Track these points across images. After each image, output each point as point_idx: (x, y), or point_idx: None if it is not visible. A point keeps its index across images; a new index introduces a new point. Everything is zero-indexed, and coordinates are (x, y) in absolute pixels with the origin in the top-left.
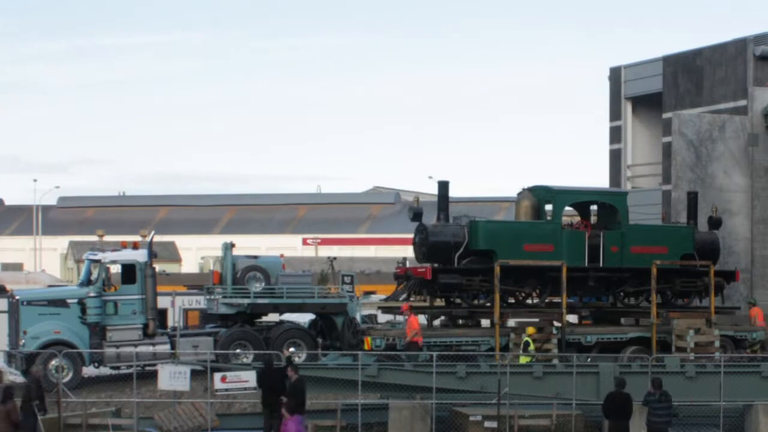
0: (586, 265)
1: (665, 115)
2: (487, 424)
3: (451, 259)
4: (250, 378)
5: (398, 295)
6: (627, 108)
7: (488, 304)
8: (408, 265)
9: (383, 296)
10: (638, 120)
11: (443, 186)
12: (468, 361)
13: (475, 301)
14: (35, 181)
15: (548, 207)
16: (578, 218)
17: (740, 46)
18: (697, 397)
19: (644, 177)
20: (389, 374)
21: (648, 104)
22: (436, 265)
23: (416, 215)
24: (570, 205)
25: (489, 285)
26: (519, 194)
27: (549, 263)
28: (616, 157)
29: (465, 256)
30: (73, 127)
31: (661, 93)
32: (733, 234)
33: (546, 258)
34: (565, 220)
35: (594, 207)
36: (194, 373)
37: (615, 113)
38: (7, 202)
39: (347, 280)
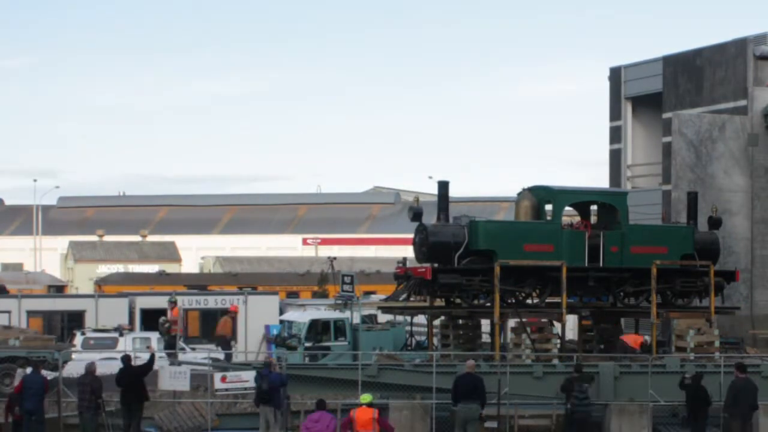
0: (586, 265)
1: (665, 115)
2: (487, 424)
3: (451, 259)
4: (250, 378)
5: (398, 295)
6: (627, 108)
7: (488, 304)
8: (408, 265)
9: (383, 296)
10: (638, 120)
11: (443, 186)
12: None
13: (475, 301)
14: (35, 181)
15: (548, 207)
16: (578, 218)
17: (740, 46)
18: None
19: (644, 177)
20: (389, 374)
21: (648, 104)
22: (436, 265)
23: (416, 215)
24: (570, 205)
25: (489, 285)
26: (519, 194)
27: (549, 263)
28: (616, 157)
29: (465, 256)
30: (72, 126)
31: (661, 93)
32: (733, 234)
33: (546, 258)
34: (565, 220)
35: (594, 207)
36: (194, 373)
37: (615, 113)
38: (7, 202)
39: (347, 280)
